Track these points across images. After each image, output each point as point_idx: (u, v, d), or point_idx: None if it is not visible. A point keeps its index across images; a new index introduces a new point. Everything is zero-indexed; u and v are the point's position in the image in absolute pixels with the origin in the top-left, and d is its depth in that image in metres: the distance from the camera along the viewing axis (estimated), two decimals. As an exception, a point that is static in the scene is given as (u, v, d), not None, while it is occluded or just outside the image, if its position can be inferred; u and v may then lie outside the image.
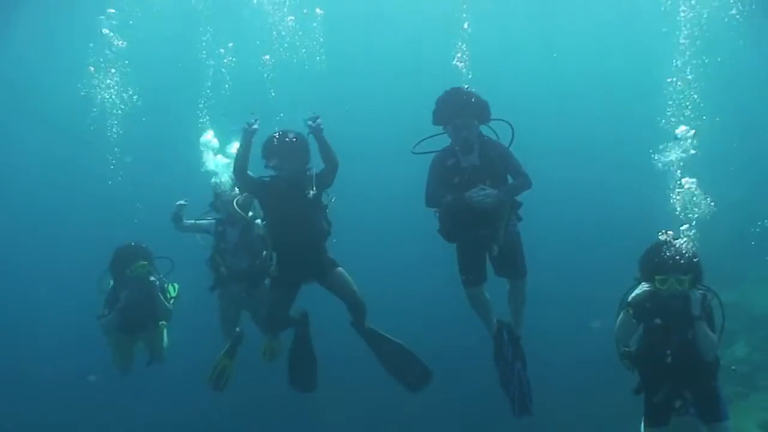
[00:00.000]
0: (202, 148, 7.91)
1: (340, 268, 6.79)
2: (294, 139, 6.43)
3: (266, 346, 7.68)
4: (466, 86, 6.31)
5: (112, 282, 7.58)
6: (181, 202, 7.53)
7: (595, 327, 7.33)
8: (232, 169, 6.68)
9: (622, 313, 5.52)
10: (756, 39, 12.25)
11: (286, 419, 11.77)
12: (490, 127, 6.46)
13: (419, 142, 6.42)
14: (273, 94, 9.36)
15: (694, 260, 5.37)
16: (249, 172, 6.56)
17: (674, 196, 6.43)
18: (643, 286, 5.46)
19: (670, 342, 5.44)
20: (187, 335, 8.44)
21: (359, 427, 11.88)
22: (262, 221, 7.04)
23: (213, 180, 7.58)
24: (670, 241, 5.49)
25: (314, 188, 6.48)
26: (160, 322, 7.82)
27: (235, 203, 7.17)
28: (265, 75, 9.99)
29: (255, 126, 6.49)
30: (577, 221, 12.50)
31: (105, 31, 11.09)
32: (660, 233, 5.61)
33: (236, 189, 7.22)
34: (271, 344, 7.65)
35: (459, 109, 6.13)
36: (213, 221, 7.52)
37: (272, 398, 10.74)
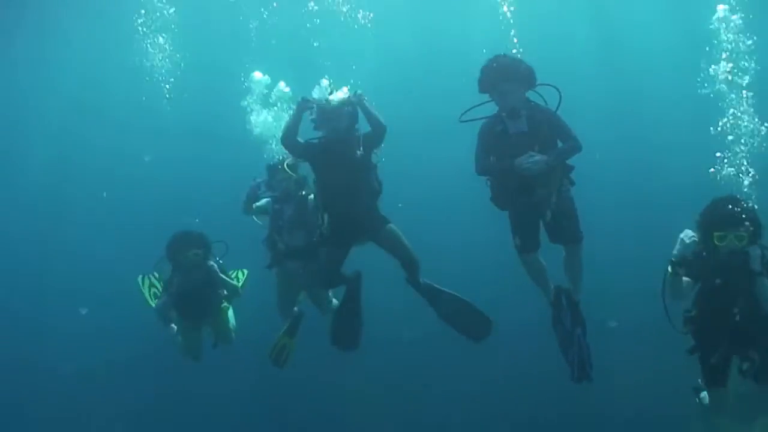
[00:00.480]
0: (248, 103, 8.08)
1: (391, 225, 6.81)
2: (340, 103, 6.54)
3: (277, 341, 7.88)
4: (513, 51, 6.28)
5: (171, 268, 7.77)
6: (255, 183, 7.64)
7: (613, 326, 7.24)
8: (281, 138, 6.79)
9: (670, 274, 5.36)
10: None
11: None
12: (538, 93, 6.41)
13: (467, 110, 6.40)
14: (316, 44, 9.31)
15: (754, 216, 5.27)
16: (298, 139, 6.68)
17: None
18: (684, 240, 5.38)
19: (736, 301, 5.34)
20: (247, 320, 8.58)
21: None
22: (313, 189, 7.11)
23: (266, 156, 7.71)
24: (729, 197, 5.40)
25: (362, 148, 6.56)
26: (223, 305, 8.02)
27: (285, 165, 7.26)
28: (307, 25, 9.96)
29: (310, 104, 6.59)
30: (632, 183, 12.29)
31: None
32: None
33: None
34: (282, 340, 7.86)
35: (504, 75, 6.10)
36: (269, 199, 7.57)
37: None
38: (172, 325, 8.11)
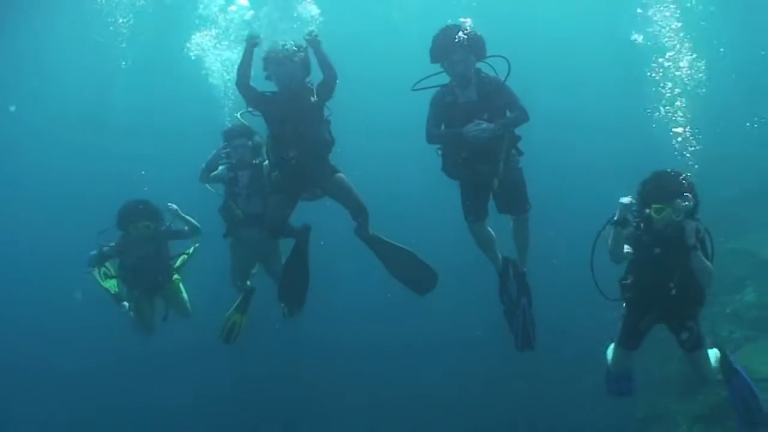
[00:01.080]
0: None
1: (340, 174, 6.84)
2: (293, 49, 6.46)
3: (229, 316, 7.83)
4: (463, 22, 6.34)
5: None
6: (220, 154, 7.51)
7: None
8: (235, 81, 6.68)
9: (612, 231, 5.54)
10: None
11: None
12: (489, 64, 6.51)
13: (420, 80, 6.50)
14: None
15: (691, 191, 5.39)
16: (252, 84, 6.60)
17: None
18: (623, 203, 5.51)
19: (673, 274, 5.50)
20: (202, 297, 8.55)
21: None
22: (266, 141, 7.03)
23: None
24: (669, 170, 5.51)
25: (315, 98, 6.55)
26: (174, 276, 8.02)
27: (239, 115, 7.17)
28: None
29: (257, 40, 6.50)
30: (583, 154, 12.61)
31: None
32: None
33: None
34: (233, 317, 7.82)
35: (454, 45, 6.18)
36: (224, 168, 7.46)
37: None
38: (124, 303, 8.02)
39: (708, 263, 5.50)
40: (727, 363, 6.04)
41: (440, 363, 12.20)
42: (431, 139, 6.49)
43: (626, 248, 5.63)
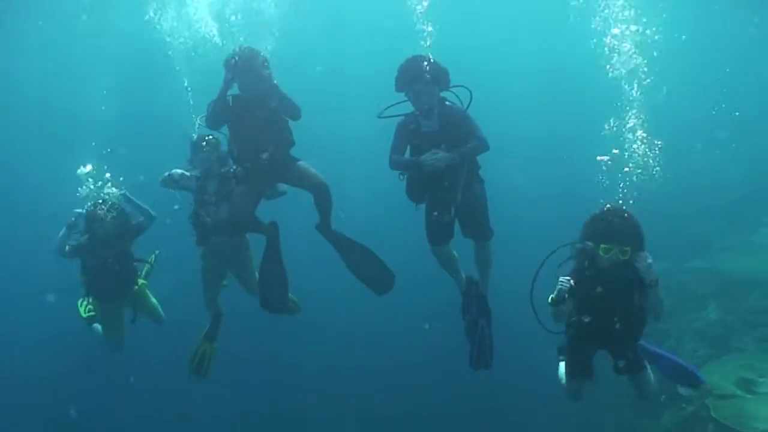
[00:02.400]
0: None
1: (301, 162, 7.04)
2: (242, 54, 6.67)
3: (197, 346, 7.85)
4: (426, 54, 6.57)
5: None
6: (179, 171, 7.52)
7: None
8: (206, 121, 6.96)
9: (551, 309, 5.57)
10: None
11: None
12: (455, 93, 6.70)
13: (386, 108, 6.71)
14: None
15: (637, 231, 5.45)
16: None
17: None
18: (563, 284, 5.47)
19: (617, 309, 5.59)
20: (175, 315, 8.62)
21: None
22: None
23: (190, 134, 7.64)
24: (614, 209, 5.56)
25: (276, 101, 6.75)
26: (141, 281, 8.05)
27: (205, 143, 7.30)
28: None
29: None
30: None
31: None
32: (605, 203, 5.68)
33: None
34: (202, 346, 7.86)
35: (418, 75, 6.40)
36: (192, 177, 7.52)
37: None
38: (95, 324, 8.15)
39: (662, 295, 5.56)
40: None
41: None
42: (393, 165, 6.69)
43: (564, 280, 5.57)
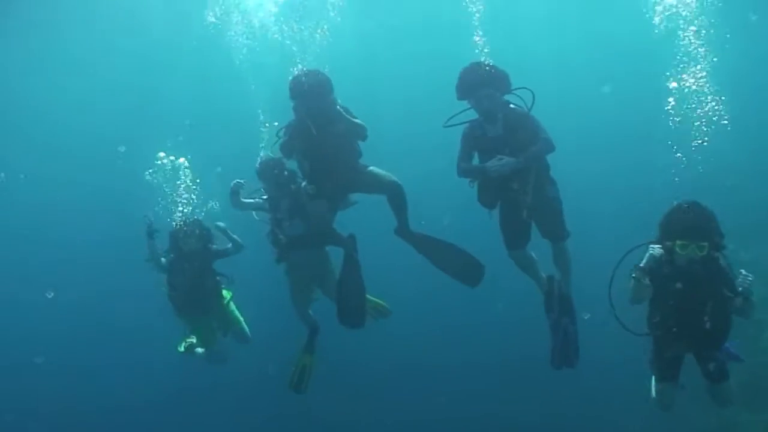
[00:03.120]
0: None
1: (371, 168, 7.19)
2: (309, 80, 6.83)
3: (298, 360, 7.91)
4: (485, 60, 6.66)
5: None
6: (239, 180, 7.73)
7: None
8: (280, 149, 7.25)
9: (633, 281, 5.49)
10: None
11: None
12: (519, 96, 6.70)
13: (450, 117, 6.78)
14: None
15: (714, 225, 5.40)
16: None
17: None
18: (652, 250, 5.49)
19: (704, 305, 5.46)
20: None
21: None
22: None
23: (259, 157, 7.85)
24: (692, 205, 5.50)
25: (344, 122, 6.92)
26: (225, 294, 8.37)
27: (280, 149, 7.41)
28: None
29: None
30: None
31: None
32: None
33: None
34: (302, 360, 7.89)
35: (479, 82, 6.46)
36: (265, 197, 7.79)
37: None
38: (197, 350, 8.51)
39: (753, 300, 5.40)
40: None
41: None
42: (461, 173, 6.77)
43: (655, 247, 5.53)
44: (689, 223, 5.34)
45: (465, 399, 12.00)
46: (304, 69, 7.09)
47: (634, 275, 5.45)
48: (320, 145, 6.90)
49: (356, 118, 7.04)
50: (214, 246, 8.15)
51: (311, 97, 6.80)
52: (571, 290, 7.08)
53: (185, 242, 8.00)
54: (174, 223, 8.21)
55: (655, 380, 6.09)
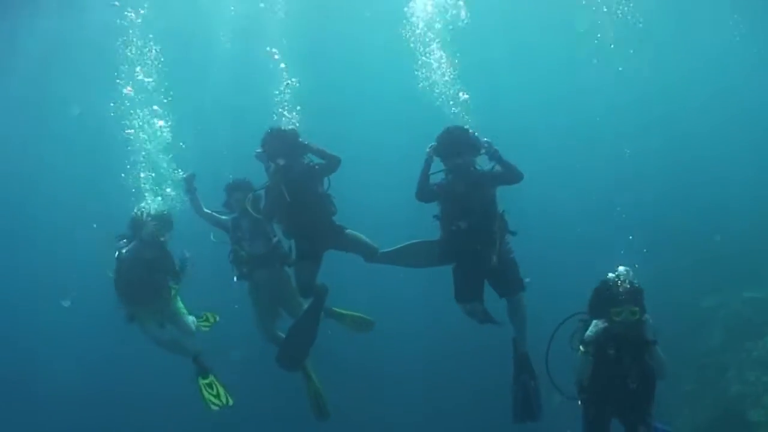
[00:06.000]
0: None
1: (349, 230, 7.47)
2: (280, 133, 7.20)
3: (308, 393, 7.88)
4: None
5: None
6: (190, 173, 7.88)
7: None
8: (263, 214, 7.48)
9: (581, 355, 5.75)
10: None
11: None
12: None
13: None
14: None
15: (640, 291, 5.70)
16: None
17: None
18: (597, 324, 5.71)
19: (630, 370, 5.72)
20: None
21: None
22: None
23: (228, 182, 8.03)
24: (616, 277, 5.80)
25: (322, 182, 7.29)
26: (172, 289, 8.17)
27: (248, 205, 7.60)
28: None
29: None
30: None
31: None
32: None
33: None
34: (310, 389, 7.85)
35: (458, 150, 6.80)
36: (228, 218, 7.92)
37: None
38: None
39: (664, 356, 5.73)
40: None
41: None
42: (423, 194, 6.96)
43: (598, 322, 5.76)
44: (620, 292, 5.65)
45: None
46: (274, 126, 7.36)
47: (584, 350, 5.72)
48: (296, 210, 7.16)
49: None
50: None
51: (278, 145, 7.12)
52: (527, 346, 7.17)
53: (149, 233, 7.78)
54: (139, 211, 8.03)
55: None
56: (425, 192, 6.91)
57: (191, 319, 8.50)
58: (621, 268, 5.86)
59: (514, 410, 7.14)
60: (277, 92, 8.50)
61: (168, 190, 8.68)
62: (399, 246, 7.53)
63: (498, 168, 6.86)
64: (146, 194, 8.55)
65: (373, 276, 8.43)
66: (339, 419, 7.99)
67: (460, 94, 7.79)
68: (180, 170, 8.49)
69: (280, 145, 7.15)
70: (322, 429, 8.18)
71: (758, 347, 11.17)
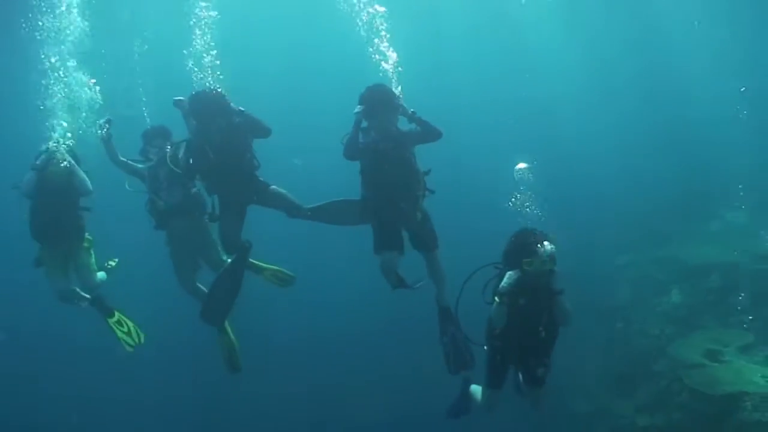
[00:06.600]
0: None
1: (273, 186, 7.47)
2: (207, 95, 7.11)
3: (219, 344, 7.85)
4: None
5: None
6: (102, 120, 7.68)
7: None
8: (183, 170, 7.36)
9: (496, 305, 6.03)
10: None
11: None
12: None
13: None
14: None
15: (552, 242, 5.94)
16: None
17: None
18: (511, 275, 5.96)
19: (540, 318, 6.11)
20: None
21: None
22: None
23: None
24: (529, 229, 6.13)
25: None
26: (86, 242, 7.94)
27: (169, 161, 7.50)
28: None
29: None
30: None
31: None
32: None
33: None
34: (221, 341, 7.85)
35: (382, 107, 6.94)
36: (145, 167, 7.83)
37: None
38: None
39: (569, 305, 6.06)
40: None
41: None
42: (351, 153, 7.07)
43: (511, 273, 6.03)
44: (532, 241, 5.93)
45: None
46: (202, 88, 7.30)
47: (499, 300, 6.00)
48: (219, 166, 7.15)
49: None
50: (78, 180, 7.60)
51: (213, 115, 7.05)
52: (448, 300, 7.43)
53: (54, 172, 7.45)
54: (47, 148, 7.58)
55: (485, 387, 6.75)
56: (352, 150, 7.04)
57: (101, 274, 8.26)
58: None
59: (447, 364, 7.40)
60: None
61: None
62: (322, 203, 7.61)
63: (416, 127, 7.09)
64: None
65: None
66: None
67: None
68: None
69: (209, 106, 7.08)
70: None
71: (663, 303, 12.02)
